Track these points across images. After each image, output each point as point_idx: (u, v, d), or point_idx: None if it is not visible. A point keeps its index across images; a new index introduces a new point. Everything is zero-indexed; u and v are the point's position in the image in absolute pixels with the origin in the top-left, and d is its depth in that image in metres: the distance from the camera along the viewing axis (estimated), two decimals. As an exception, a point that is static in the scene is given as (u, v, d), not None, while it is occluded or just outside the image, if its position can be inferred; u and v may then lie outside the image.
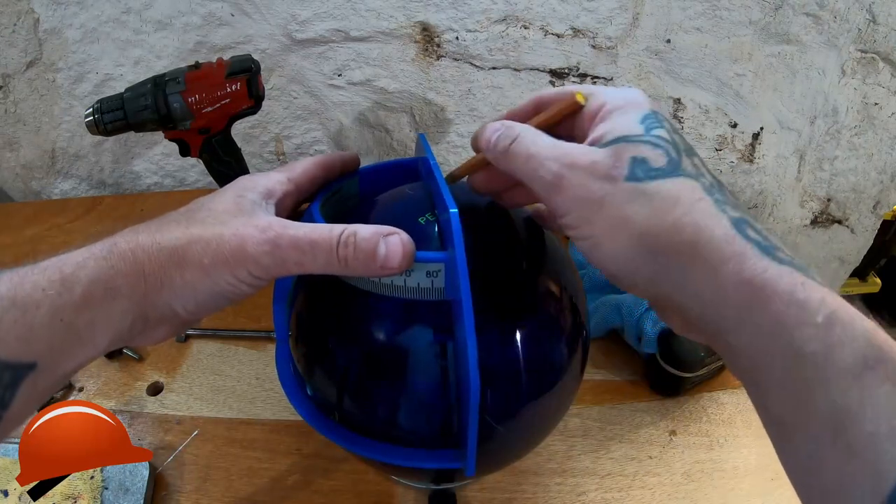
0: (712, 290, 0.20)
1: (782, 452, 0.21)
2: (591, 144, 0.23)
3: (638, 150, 0.22)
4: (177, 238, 0.25)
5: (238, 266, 0.25)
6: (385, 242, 0.25)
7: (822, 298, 0.18)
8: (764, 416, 0.21)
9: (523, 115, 0.29)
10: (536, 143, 0.24)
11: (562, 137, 0.25)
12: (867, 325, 0.18)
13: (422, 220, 0.31)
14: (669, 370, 0.49)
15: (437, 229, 0.30)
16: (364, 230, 0.25)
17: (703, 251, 0.20)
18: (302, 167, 0.32)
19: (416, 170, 0.38)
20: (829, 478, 0.18)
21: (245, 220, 0.26)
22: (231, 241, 0.25)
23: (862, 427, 0.17)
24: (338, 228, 0.25)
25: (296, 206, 0.32)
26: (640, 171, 0.21)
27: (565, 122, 0.26)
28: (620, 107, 0.24)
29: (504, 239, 0.33)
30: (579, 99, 0.25)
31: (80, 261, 0.24)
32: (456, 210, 0.25)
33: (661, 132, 0.23)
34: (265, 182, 0.29)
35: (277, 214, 0.28)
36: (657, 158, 0.21)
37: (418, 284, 0.27)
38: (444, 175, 0.31)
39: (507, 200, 0.31)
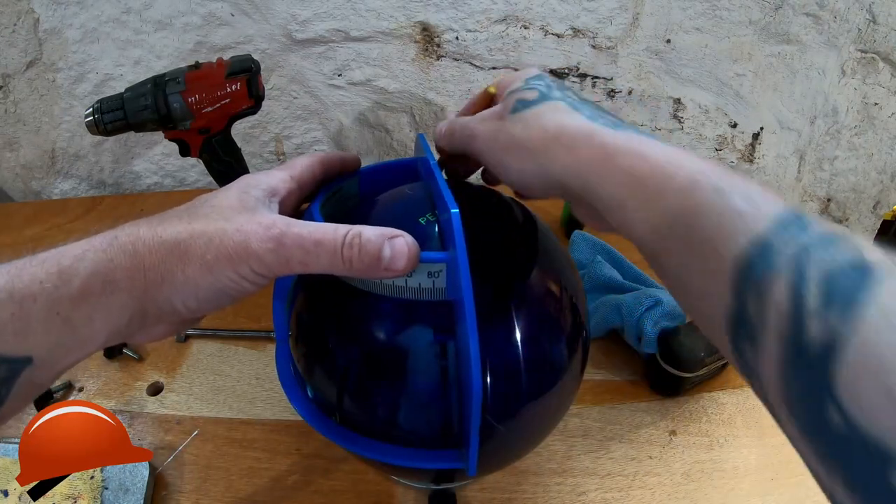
0: (573, 160, 0.25)
1: (658, 268, 0.25)
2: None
3: (518, 95, 0.29)
4: (179, 232, 0.25)
5: (241, 262, 0.24)
6: (390, 245, 0.25)
7: (658, 149, 0.24)
8: (638, 243, 0.25)
9: (474, 107, 0.36)
10: (460, 120, 0.33)
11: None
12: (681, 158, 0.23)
13: (422, 221, 0.31)
14: (669, 370, 0.49)
15: (437, 230, 0.30)
16: (369, 231, 0.25)
17: (563, 138, 0.26)
18: (303, 164, 0.32)
19: (415, 170, 0.38)
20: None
21: (249, 216, 0.25)
22: (235, 237, 0.24)
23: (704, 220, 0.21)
24: (343, 229, 0.25)
25: (298, 205, 0.32)
26: (519, 105, 0.28)
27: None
28: (515, 78, 0.31)
29: (504, 239, 0.33)
30: (490, 90, 0.34)
31: (79, 253, 0.24)
32: (457, 210, 0.25)
33: (538, 82, 0.29)
34: (268, 180, 0.29)
35: (281, 213, 0.28)
36: (531, 95, 0.28)
37: (419, 285, 0.27)
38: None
39: (460, 170, 0.37)
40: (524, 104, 0.28)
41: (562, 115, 0.27)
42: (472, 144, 0.31)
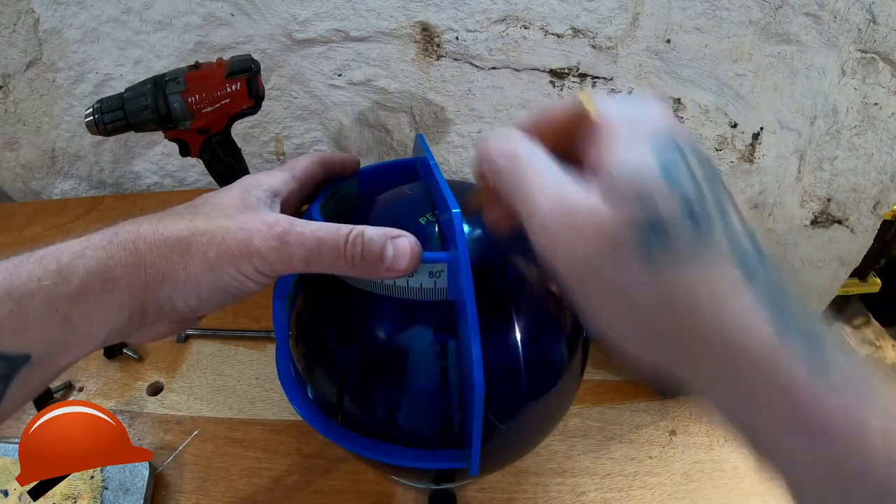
0: (742, 398, 0.17)
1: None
2: (591, 174, 0.19)
3: (650, 207, 0.17)
4: (181, 230, 0.24)
5: (243, 260, 0.24)
6: (392, 244, 0.25)
7: (883, 428, 0.15)
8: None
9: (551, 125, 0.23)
10: (535, 168, 0.20)
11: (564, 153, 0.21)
12: None
13: (422, 221, 0.31)
14: (669, 370, 0.49)
15: (437, 229, 0.30)
16: (372, 231, 0.25)
17: (729, 354, 0.16)
18: (303, 165, 0.32)
19: (415, 170, 0.38)
20: None
21: (251, 215, 0.25)
22: (237, 234, 0.24)
23: None
24: (345, 228, 0.25)
25: (299, 205, 0.32)
26: (653, 239, 0.16)
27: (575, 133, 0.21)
28: (630, 124, 0.19)
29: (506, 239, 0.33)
30: (585, 105, 0.20)
31: (79, 250, 0.23)
32: (458, 210, 0.25)
33: (681, 171, 0.17)
34: (270, 181, 0.29)
35: (282, 213, 0.28)
36: (675, 222, 0.16)
37: (421, 285, 0.27)
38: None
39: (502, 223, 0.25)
40: (662, 243, 0.16)
41: (731, 308, 0.16)
42: (542, 243, 0.19)
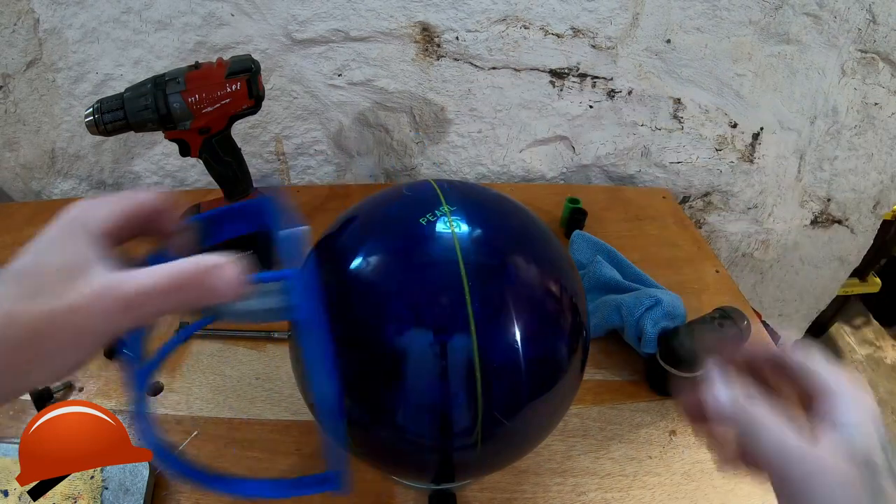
0: None
1: None
2: (824, 439, 0.24)
3: (874, 471, 0.22)
4: (24, 323, 0.21)
5: (87, 341, 0.22)
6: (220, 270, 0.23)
7: None
8: None
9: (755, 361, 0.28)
10: (784, 442, 0.24)
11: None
12: None
13: (423, 221, 0.31)
14: (669, 370, 0.49)
15: (437, 231, 0.30)
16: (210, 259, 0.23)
17: None
18: (118, 201, 0.26)
19: (257, 213, 0.32)
20: None
21: (83, 282, 0.22)
22: (73, 320, 0.21)
23: None
24: (186, 263, 0.23)
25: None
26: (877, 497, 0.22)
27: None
28: (855, 408, 0.24)
29: (506, 240, 0.33)
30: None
31: None
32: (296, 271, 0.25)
33: (887, 448, 0.23)
34: (95, 221, 0.24)
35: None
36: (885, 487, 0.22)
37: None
38: None
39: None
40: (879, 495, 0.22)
41: None
42: (794, 496, 0.24)
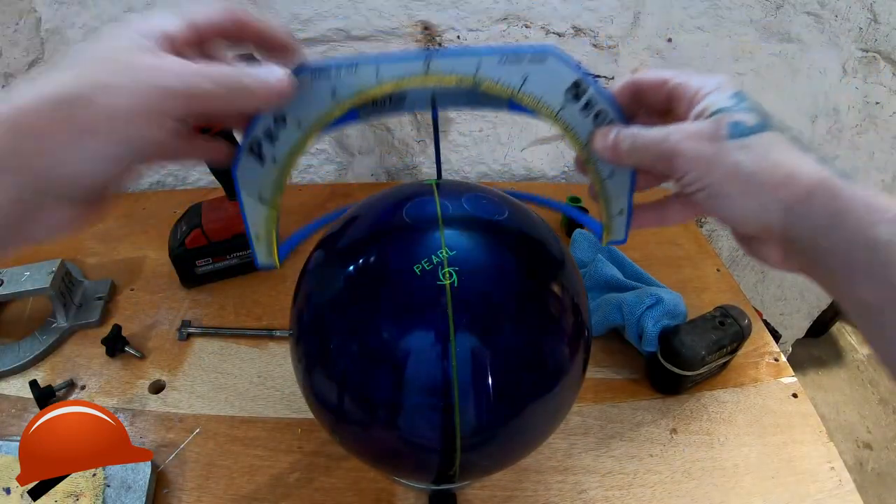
0: (806, 207, 0.25)
1: (872, 337, 0.24)
2: (695, 119, 0.28)
3: (734, 117, 0.26)
4: (63, 86, 0.21)
5: (152, 106, 0.22)
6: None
7: (889, 203, 0.23)
8: (853, 307, 0.25)
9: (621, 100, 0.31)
10: (645, 133, 0.28)
11: (656, 124, 0.29)
12: None
13: (417, 270, 0.30)
14: (670, 368, 0.49)
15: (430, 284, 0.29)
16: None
17: (798, 180, 0.25)
18: (206, 14, 0.26)
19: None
20: None
21: (153, 58, 0.23)
22: (143, 77, 0.22)
23: None
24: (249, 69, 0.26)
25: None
26: (739, 130, 0.26)
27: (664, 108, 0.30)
28: (713, 90, 0.28)
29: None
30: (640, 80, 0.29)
31: None
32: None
33: (748, 104, 0.27)
34: (161, 24, 0.24)
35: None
36: (750, 119, 0.26)
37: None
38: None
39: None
40: (745, 130, 0.26)
41: (792, 155, 0.25)
42: (672, 163, 0.27)
